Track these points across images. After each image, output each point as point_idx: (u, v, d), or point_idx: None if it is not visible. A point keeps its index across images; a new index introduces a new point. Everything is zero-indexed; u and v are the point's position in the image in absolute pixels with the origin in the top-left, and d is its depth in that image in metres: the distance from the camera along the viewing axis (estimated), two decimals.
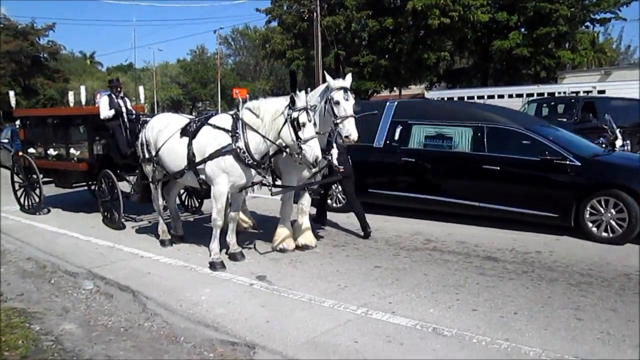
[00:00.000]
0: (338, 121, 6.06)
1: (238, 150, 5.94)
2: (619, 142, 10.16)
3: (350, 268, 6.07)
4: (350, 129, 6.02)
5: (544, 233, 7.18)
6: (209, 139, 6.16)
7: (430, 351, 3.97)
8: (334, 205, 9.08)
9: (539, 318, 4.53)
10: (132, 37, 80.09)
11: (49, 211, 9.78)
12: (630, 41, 56.14)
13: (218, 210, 6.16)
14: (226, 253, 6.47)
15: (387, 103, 9.11)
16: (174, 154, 6.53)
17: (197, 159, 6.22)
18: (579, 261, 6.12)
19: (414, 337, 4.22)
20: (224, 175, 6.04)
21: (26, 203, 9.87)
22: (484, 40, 34.50)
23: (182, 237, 7.42)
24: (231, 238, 6.51)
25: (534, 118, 11.23)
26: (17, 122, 11.01)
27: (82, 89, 10.34)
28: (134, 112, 8.87)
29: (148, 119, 7.88)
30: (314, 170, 6.58)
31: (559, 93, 20.89)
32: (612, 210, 6.75)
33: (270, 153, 6.18)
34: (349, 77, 6.34)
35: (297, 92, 5.84)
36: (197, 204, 9.52)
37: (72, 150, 9.08)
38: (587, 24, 33.83)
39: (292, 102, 5.67)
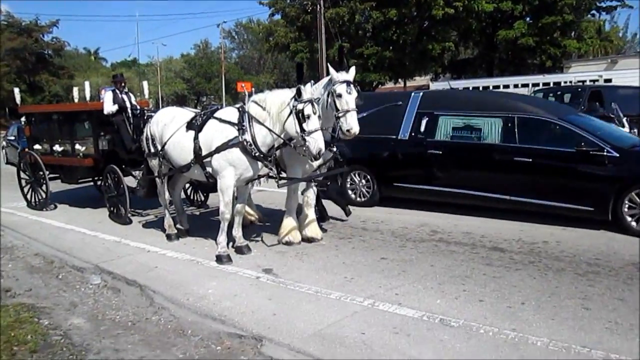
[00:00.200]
0: (340, 115, 6.03)
1: (245, 142, 5.94)
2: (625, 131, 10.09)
3: (356, 260, 6.07)
4: (351, 123, 5.99)
5: (550, 223, 7.13)
6: (215, 133, 6.16)
7: (438, 342, 3.97)
8: (358, 199, 8.94)
9: (546, 308, 4.52)
10: (135, 32, 79.98)
11: (55, 207, 9.82)
12: (636, 29, 55.59)
13: (226, 203, 6.17)
14: (232, 246, 6.48)
15: (412, 94, 8.86)
16: (181, 148, 6.54)
17: (204, 153, 6.22)
18: (586, 251, 6.09)
19: (420, 328, 4.22)
20: (231, 169, 6.05)
21: (33, 199, 9.92)
22: (488, 30, 34.27)
23: (187, 231, 7.44)
24: (237, 231, 6.52)
25: (568, 107, 10.68)
26: (23, 119, 11.04)
27: (87, 84, 10.35)
28: (138, 107, 8.89)
29: (152, 114, 7.89)
30: (316, 162, 6.56)
31: (565, 82, 20.76)
32: None
33: (277, 145, 6.17)
34: (352, 70, 6.30)
35: (303, 84, 5.82)
36: (202, 198, 9.54)
37: (77, 146, 9.10)
38: (593, 12, 33.54)
39: (299, 93, 5.66)
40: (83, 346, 4.19)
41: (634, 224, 6.62)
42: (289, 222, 6.82)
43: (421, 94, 8.77)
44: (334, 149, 6.68)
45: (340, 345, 3.98)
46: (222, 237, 6.26)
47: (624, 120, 10.38)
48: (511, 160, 7.29)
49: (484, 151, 7.68)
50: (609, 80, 19.83)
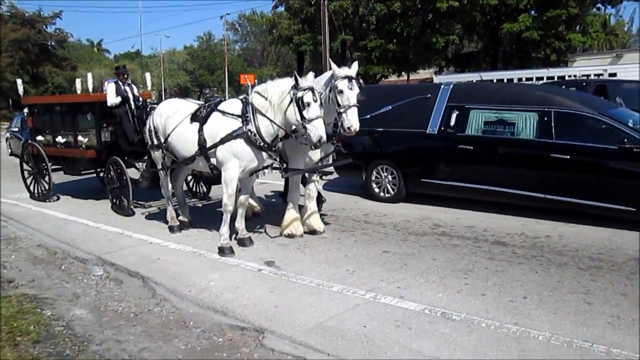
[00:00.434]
0: (341, 110, 5.99)
1: (249, 133, 5.93)
2: None
3: (358, 253, 6.07)
4: (352, 120, 5.94)
5: (553, 218, 7.11)
6: (220, 124, 6.16)
7: (439, 335, 3.97)
8: (382, 194, 8.73)
9: (549, 302, 4.51)
10: (139, 24, 79.87)
11: (58, 198, 9.84)
12: None
13: (229, 195, 6.17)
14: (235, 238, 6.49)
15: (442, 86, 8.51)
16: (185, 140, 6.53)
17: (209, 144, 6.22)
18: (589, 245, 6.07)
19: (422, 322, 4.22)
20: (235, 160, 6.05)
21: (36, 190, 9.94)
22: (493, 23, 34.08)
23: (190, 223, 7.44)
24: (240, 223, 6.53)
25: (609, 102, 9.98)
26: (26, 110, 11.05)
27: (89, 76, 10.35)
28: (140, 99, 8.88)
29: (155, 105, 7.88)
30: (318, 155, 6.56)
31: (570, 76, 20.64)
32: None
33: (281, 135, 6.15)
34: (354, 65, 6.23)
35: (305, 73, 5.80)
36: (204, 190, 9.54)
37: (80, 138, 9.11)
38: (599, 5, 33.30)
39: (296, 81, 5.64)
40: (85, 337, 4.20)
41: None
42: (291, 215, 6.82)
43: (451, 86, 8.43)
44: (338, 144, 6.66)
45: (341, 338, 3.99)
46: (224, 229, 6.27)
47: None
48: (547, 156, 6.96)
49: (518, 147, 7.34)
50: (614, 75, 19.71)
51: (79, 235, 7.29)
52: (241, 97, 6.43)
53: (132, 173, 8.56)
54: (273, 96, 5.84)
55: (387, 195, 8.68)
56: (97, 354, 3.94)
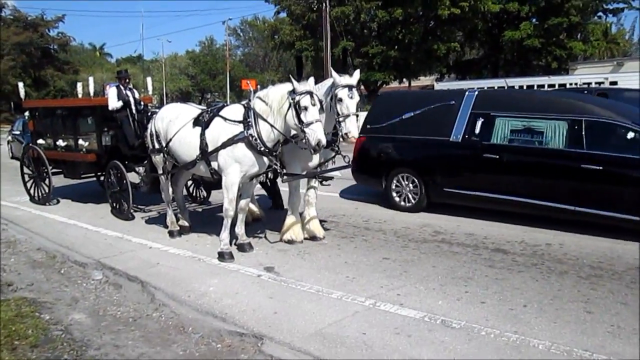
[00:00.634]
0: (341, 119, 6.00)
1: (250, 137, 5.94)
2: None
3: (358, 259, 6.06)
4: (350, 128, 5.94)
5: (554, 226, 7.09)
6: (222, 129, 6.17)
7: (439, 343, 3.96)
8: (403, 203, 8.45)
9: (549, 311, 4.50)
10: (141, 28, 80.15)
11: (58, 202, 9.84)
12: None
13: (230, 200, 6.16)
14: (234, 244, 6.48)
15: (467, 92, 8.21)
16: (187, 144, 6.54)
17: (210, 149, 6.23)
18: (589, 254, 6.06)
19: (422, 329, 4.20)
20: (236, 165, 6.06)
21: (36, 194, 9.94)
22: (494, 30, 34.22)
23: (190, 228, 7.43)
24: (240, 229, 6.52)
25: None
26: (27, 114, 11.06)
27: (91, 80, 10.37)
28: (142, 103, 8.89)
29: (157, 110, 7.89)
30: (316, 161, 6.56)
31: (571, 84, 20.68)
32: None
33: (282, 140, 6.15)
34: (356, 74, 6.24)
35: (305, 78, 5.81)
36: (204, 195, 9.54)
37: (80, 142, 9.12)
38: (600, 14, 33.46)
39: (294, 85, 5.67)
40: (83, 341, 4.19)
41: None
42: (291, 220, 6.81)
43: (476, 92, 8.15)
44: (336, 148, 6.66)
45: (340, 345, 3.97)
46: (224, 234, 6.26)
47: None
48: (578, 167, 6.68)
49: (546, 157, 7.04)
50: (615, 83, 19.75)
51: (78, 239, 7.29)
52: (243, 102, 6.45)
53: (133, 177, 8.55)
54: (273, 101, 5.85)
55: (407, 204, 8.40)
56: (95, 359, 3.92)
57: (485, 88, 21.61)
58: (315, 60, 34.97)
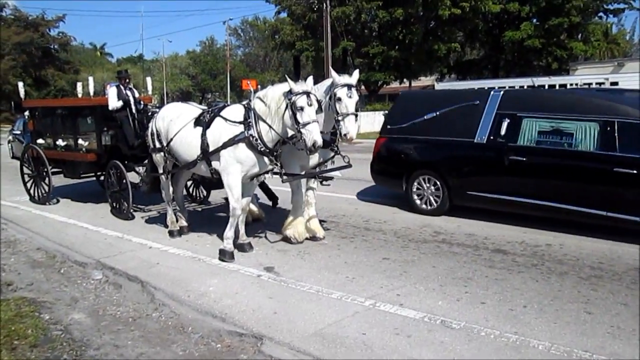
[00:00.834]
0: (339, 118, 6.00)
1: (251, 138, 5.94)
2: None
3: (358, 260, 6.05)
4: (348, 127, 5.93)
5: (554, 227, 7.09)
6: (223, 129, 6.18)
7: (438, 344, 3.95)
8: (424, 206, 8.21)
9: (549, 311, 4.49)
10: (142, 28, 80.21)
11: (58, 201, 9.84)
12: None
13: (236, 199, 6.15)
14: (234, 244, 6.46)
15: (492, 92, 7.91)
16: (188, 144, 6.54)
17: (211, 149, 6.24)
18: (589, 255, 6.05)
19: (421, 330, 4.20)
20: (238, 165, 6.06)
21: (35, 193, 9.94)
22: (495, 31, 34.24)
23: (188, 227, 7.42)
24: (240, 229, 6.51)
25: None
26: (26, 113, 11.07)
27: (91, 80, 10.37)
28: (142, 102, 8.89)
29: (157, 109, 7.89)
30: (314, 160, 6.55)
31: (571, 85, 20.69)
32: None
33: (281, 140, 6.13)
34: (355, 73, 6.24)
35: (303, 78, 5.81)
36: (204, 194, 9.54)
37: (80, 141, 9.13)
38: (600, 14, 33.47)
39: (290, 85, 5.66)
40: (83, 341, 4.19)
41: None
42: (296, 217, 6.78)
43: (502, 92, 7.85)
44: (335, 148, 6.66)
45: (340, 345, 3.97)
46: (230, 232, 6.24)
47: None
48: (610, 171, 6.41)
49: (576, 160, 6.75)
50: (615, 83, 19.76)
51: (78, 239, 7.28)
52: (244, 102, 6.45)
53: (132, 177, 8.56)
54: (272, 102, 5.85)
55: (428, 207, 8.16)
56: (94, 359, 3.92)
57: (486, 88, 21.51)
58: (315, 61, 34.96)
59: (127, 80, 8.81)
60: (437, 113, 8.17)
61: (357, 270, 5.66)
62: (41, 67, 49.91)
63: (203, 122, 6.42)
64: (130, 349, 4.07)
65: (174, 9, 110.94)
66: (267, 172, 6.36)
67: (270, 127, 5.89)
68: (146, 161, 7.88)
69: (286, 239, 6.79)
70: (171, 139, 6.77)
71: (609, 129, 6.56)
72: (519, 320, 4.32)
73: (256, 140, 5.94)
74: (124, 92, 8.55)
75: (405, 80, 37.26)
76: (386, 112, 29.88)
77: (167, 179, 7.27)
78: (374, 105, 33.68)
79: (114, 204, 8.66)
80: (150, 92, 11.12)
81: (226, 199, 6.87)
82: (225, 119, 6.21)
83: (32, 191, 10.03)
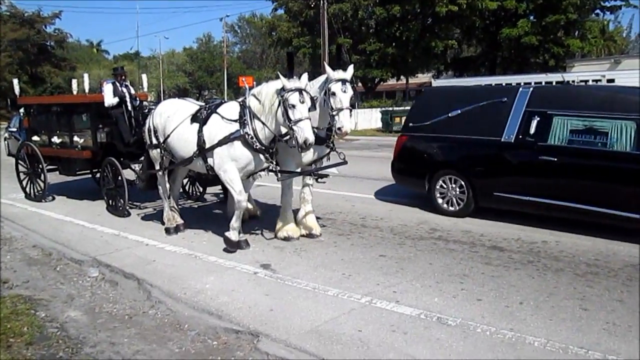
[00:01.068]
0: (334, 113, 6.00)
1: (246, 135, 5.93)
2: None
3: (354, 257, 6.05)
4: (343, 122, 5.94)
5: (551, 224, 7.09)
6: (219, 127, 6.18)
7: (434, 340, 3.96)
8: (447, 207, 7.91)
9: (545, 308, 4.50)
10: (139, 25, 79.98)
11: (53, 198, 9.82)
12: None
13: (238, 191, 6.14)
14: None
15: (520, 89, 7.59)
16: (184, 140, 6.54)
17: (207, 146, 6.24)
18: (585, 251, 6.07)
19: (418, 327, 4.20)
20: (233, 163, 6.08)
21: (31, 191, 9.91)
22: (492, 28, 34.24)
23: (185, 224, 7.40)
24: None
25: None
26: (21, 110, 11.02)
27: (86, 77, 10.33)
28: (138, 99, 8.87)
29: (152, 107, 7.87)
30: (309, 158, 6.54)
31: (568, 82, 20.70)
32: None
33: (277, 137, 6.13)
34: (350, 69, 6.24)
35: (297, 74, 5.81)
36: (200, 191, 9.53)
37: (75, 138, 9.09)
38: (597, 11, 33.52)
39: (282, 82, 5.66)
40: (79, 339, 4.18)
41: None
42: (285, 218, 6.80)
43: (531, 89, 7.53)
44: (331, 145, 6.66)
45: (336, 342, 3.97)
46: (237, 223, 6.27)
47: None
48: None
49: (611, 160, 6.46)
50: (612, 81, 19.78)
51: (74, 236, 7.26)
52: (239, 99, 6.45)
53: (128, 174, 8.54)
54: (265, 99, 5.85)
55: (452, 208, 7.86)
56: (90, 356, 3.92)
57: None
58: (313, 58, 34.94)
59: (123, 77, 8.79)
60: (462, 110, 7.91)
61: (354, 267, 5.66)
62: (37, 64, 49.75)
63: (200, 119, 6.43)
64: (126, 347, 4.06)
65: (171, 6, 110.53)
66: (263, 170, 6.36)
67: (264, 124, 5.89)
68: (142, 158, 7.86)
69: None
70: (168, 136, 6.77)
71: None
72: (514, 317, 4.33)
73: (251, 138, 5.94)
74: (119, 88, 8.53)
75: (402, 77, 37.26)
76: (384, 108, 29.89)
77: (163, 175, 7.25)
78: (370, 102, 33.72)
79: (110, 202, 8.64)
80: (145, 89, 11.07)
81: (221, 195, 6.86)
82: (222, 117, 6.21)
83: (27, 188, 10.00)
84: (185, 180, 9.27)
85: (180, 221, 7.37)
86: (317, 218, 7.24)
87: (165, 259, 6.19)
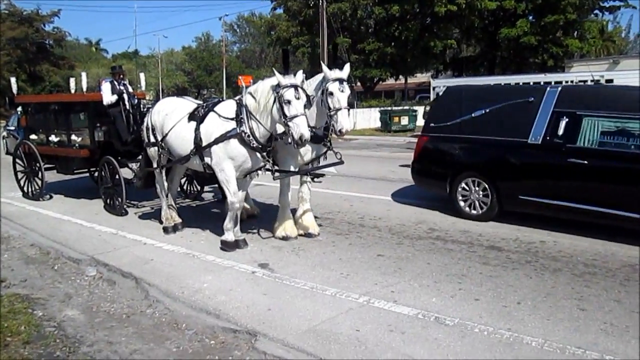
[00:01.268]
0: (332, 113, 5.98)
1: (243, 134, 5.93)
2: None
3: (352, 256, 6.05)
4: (342, 122, 5.92)
5: (548, 224, 7.09)
6: (215, 125, 6.18)
7: (432, 340, 3.96)
8: (470, 210, 7.62)
9: (542, 308, 4.50)
10: (137, 23, 79.90)
11: (51, 197, 9.80)
12: (639, 30, 55.60)
13: (233, 192, 6.15)
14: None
15: (548, 88, 7.29)
16: (182, 138, 6.55)
17: (204, 144, 6.24)
18: (583, 251, 6.07)
19: (415, 326, 4.20)
20: (229, 161, 6.08)
21: (29, 189, 9.89)
22: (491, 28, 34.23)
23: (183, 223, 7.39)
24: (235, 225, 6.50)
25: None
26: (19, 109, 11.01)
27: (83, 75, 10.32)
28: (136, 98, 8.87)
29: (151, 105, 7.87)
30: (307, 157, 6.54)
31: (567, 82, 20.70)
32: None
33: (275, 135, 6.13)
34: (346, 67, 6.23)
35: (293, 72, 5.81)
36: (197, 190, 9.53)
37: (73, 137, 9.09)
38: (596, 11, 33.52)
39: (277, 78, 5.66)
40: (76, 338, 4.18)
41: None
42: (283, 217, 6.80)
43: (559, 88, 7.25)
44: (328, 144, 6.65)
45: (334, 342, 3.97)
46: (230, 224, 6.31)
47: None
48: None
49: None
50: (611, 81, 19.76)
51: (72, 235, 7.26)
52: (236, 98, 6.45)
53: (125, 173, 8.53)
54: (261, 96, 5.85)
55: (475, 212, 7.58)
56: (87, 356, 3.91)
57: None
58: (312, 57, 34.90)
59: (122, 76, 8.79)
60: (486, 110, 7.64)
61: (352, 267, 5.66)
62: (36, 63, 49.64)
63: (197, 117, 6.43)
64: (123, 346, 4.06)
65: (170, 4, 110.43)
66: (260, 169, 6.35)
67: (259, 122, 5.88)
68: (139, 157, 7.85)
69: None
70: (166, 134, 6.78)
71: None
72: (512, 317, 4.33)
73: (248, 136, 5.94)
74: (117, 87, 8.53)
75: (400, 76, 37.26)
76: (383, 108, 29.82)
77: (160, 174, 7.25)
78: (369, 102, 33.71)
79: (108, 200, 8.63)
80: (143, 88, 11.06)
81: (219, 194, 6.86)
82: (219, 115, 6.21)
83: (25, 187, 9.98)
84: (182, 179, 9.26)
85: (178, 220, 7.37)
86: (315, 217, 7.24)
87: (163, 258, 6.18)
